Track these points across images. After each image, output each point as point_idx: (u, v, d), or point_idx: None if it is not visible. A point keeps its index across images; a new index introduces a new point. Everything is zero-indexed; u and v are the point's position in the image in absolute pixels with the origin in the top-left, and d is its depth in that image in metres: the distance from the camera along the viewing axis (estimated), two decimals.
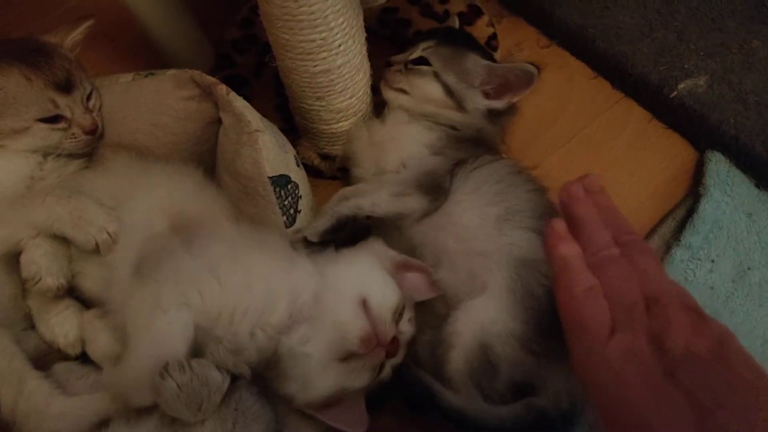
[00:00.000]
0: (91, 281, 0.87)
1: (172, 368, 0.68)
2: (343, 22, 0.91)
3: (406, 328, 0.85)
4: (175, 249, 0.79)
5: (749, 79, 1.16)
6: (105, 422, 0.77)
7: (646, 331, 0.58)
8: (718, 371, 0.55)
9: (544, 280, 0.84)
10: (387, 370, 0.82)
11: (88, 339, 0.88)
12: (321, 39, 0.91)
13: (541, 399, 0.83)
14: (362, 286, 0.81)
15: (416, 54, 1.06)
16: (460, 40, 1.09)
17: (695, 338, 0.57)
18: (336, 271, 0.84)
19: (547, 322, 0.81)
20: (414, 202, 0.92)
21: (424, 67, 1.03)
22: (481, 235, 0.89)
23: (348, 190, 1.00)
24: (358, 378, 0.80)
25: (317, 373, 0.79)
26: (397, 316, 0.83)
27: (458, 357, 0.82)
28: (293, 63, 0.96)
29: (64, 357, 0.89)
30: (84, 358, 0.89)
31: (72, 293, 0.91)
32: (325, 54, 0.93)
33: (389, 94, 1.07)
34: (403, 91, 1.05)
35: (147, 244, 0.81)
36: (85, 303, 0.92)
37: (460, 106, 1.03)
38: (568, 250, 0.66)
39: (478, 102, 1.03)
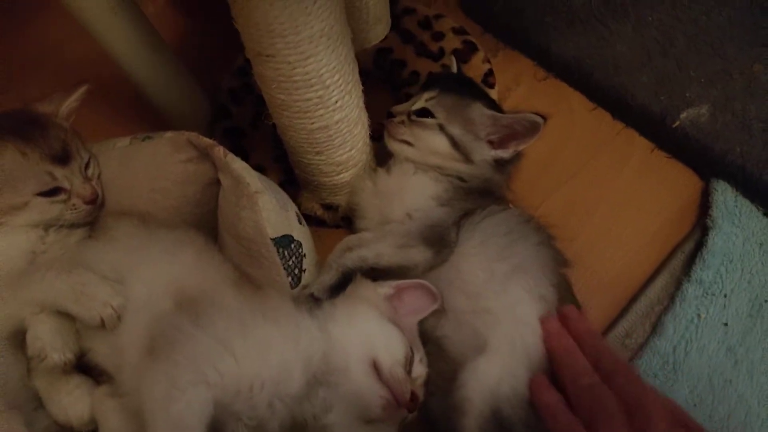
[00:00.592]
0: (102, 358, 0.86)
1: None
2: (338, 79, 0.90)
3: (420, 370, 0.85)
4: (183, 326, 0.77)
5: (753, 105, 1.15)
6: None
7: None
8: None
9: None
10: (411, 416, 0.83)
11: (100, 420, 0.86)
12: (317, 97, 0.90)
13: None
14: (369, 347, 0.81)
15: (419, 105, 1.05)
16: (463, 88, 1.07)
17: None
18: (339, 332, 0.83)
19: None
20: (418, 255, 0.91)
21: (429, 120, 1.02)
22: (487, 292, 0.88)
23: (351, 239, 0.99)
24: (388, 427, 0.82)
25: None
26: (408, 365, 0.82)
27: (472, 424, 0.81)
28: (290, 121, 0.95)
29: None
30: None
31: (81, 366, 0.91)
32: (322, 111, 0.92)
33: (394, 146, 1.06)
34: (408, 143, 1.04)
35: (155, 324, 0.80)
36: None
37: (466, 158, 1.01)
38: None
39: (484, 153, 1.01)
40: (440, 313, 0.92)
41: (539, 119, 0.97)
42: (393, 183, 1.04)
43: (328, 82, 0.89)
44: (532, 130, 0.98)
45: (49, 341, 0.83)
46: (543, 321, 0.83)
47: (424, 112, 1.03)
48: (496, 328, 0.86)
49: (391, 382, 0.79)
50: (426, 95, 1.06)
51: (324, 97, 0.90)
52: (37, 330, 0.83)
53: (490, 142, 1.02)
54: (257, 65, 0.89)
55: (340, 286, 0.93)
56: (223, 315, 0.80)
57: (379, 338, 0.82)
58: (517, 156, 1.04)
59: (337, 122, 0.96)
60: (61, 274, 0.83)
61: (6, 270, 0.85)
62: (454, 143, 1.01)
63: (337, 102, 0.92)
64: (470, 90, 1.08)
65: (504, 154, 1.01)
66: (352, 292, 0.89)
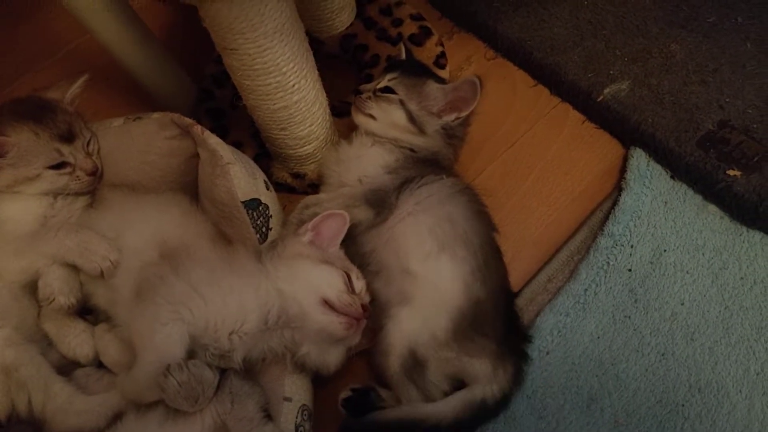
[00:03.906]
0: (101, 300, 1.05)
1: (173, 369, 0.86)
2: (294, 66, 1.07)
3: (360, 284, 1.03)
4: (165, 274, 0.95)
5: (666, 81, 1.30)
6: (119, 416, 0.96)
7: None
8: None
9: (462, 299, 1.02)
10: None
11: (101, 351, 1.06)
12: (276, 82, 1.07)
13: (476, 391, 1.02)
14: (315, 291, 0.97)
15: (383, 84, 1.21)
16: (419, 71, 1.24)
17: None
18: (287, 288, 0.98)
19: (463, 327, 1.00)
20: (361, 214, 1.09)
21: (392, 96, 1.18)
22: (414, 259, 1.05)
23: (310, 198, 1.18)
24: (355, 337, 1.01)
25: (324, 358, 1.00)
26: (350, 286, 1.00)
27: (394, 362, 1.02)
28: (256, 102, 1.13)
29: (82, 365, 1.07)
30: (99, 364, 1.07)
31: (88, 312, 1.10)
32: (281, 94, 1.10)
33: (360, 119, 1.22)
34: (372, 117, 1.20)
35: (143, 271, 0.98)
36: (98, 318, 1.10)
37: (421, 130, 1.18)
38: None
39: (436, 125, 1.18)
40: (375, 273, 1.09)
41: (475, 78, 1.13)
42: (352, 152, 1.20)
43: (284, 69, 1.06)
44: (472, 90, 1.14)
45: (58, 287, 1.02)
46: None
47: (387, 90, 1.19)
48: (419, 289, 1.03)
49: (344, 308, 0.96)
50: (389, 76, 1.22)
51: (282, 82, 1.07)
52: (48, 278, 1.02)
53: (441, 112, 1.18)
54: (225, 57, 1.06)
55: None
56: (197, 266, 0.97)
57: (319, 280, 0.98)
58: (464, 125, 1.21)
59: (296, 102, 1.13)
60: (69, 233, 1.02)
61: (23, 230, 1.04)
62: (411, 117, 1.17)
63: (294, 86, 1.09)
64: (425, 72, 1.26)
65: (450, 118, 1.18)
66: (283, 252, 1.04)
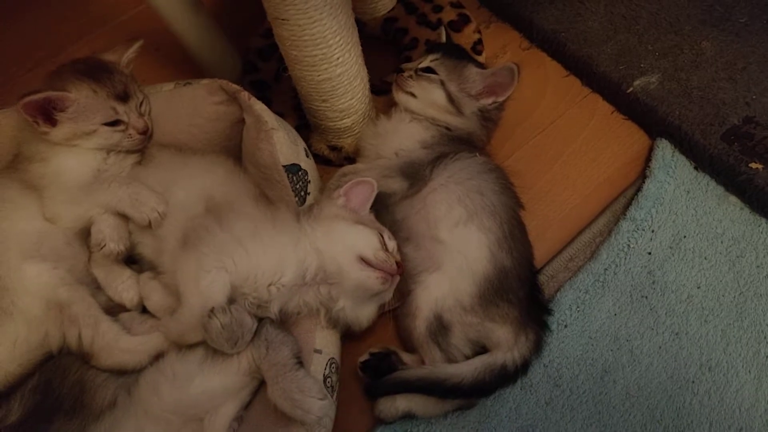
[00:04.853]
0: (147, 249, 1.13)
1: (218, 311, 0.92)
2: (339, 40, 1.13)
3: (392, 244, 1.08)
4: (211, 226, 1.02)
5: (695, 76, 1.34)
6: (160, 356, 1.03)
7: None
8: None
9: (488, 267, 1.07)
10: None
11: (145, 296, 1.13)
12: (322, 54, 1.13)
13: (497, 356, 1.07)
14: (351, 249, 1.03)
15: (425, 64, 1.27)
16: (460, 54, 1.30)
17: None
18: (325, 247, 1.04)
19: (489, 293, 1.06)
20: (395, 184, 1.15)
21: (433, 76, 1.24)
22: (444, 227, 1.11)
23: (347, 167, 1.24)
24: (389, 293, 1.08)
25: (357, 314, 1.07)
26: (384, 245, 1.05)
27: (420, 324, 1.08)
28: (301, 73, 1.19)
29: (127, 310, 1.14)
30: (142, 309, 1.14)
31: (133, 262, 1.17)
32: (326, 66, 1.16)
33: (400, 97, 1.27)
34: (412, 95, 1.26)
35: (189, 222, 1.05)
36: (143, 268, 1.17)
37: (458, 110, 1.24)
38: None
39: (473, 106, 1.24)
40: (405, 239, 1.14)
41: (513, 65, 1.20)
42: (391, 127, 1.27)
43: (330, 42, 1.12)
44: (510, 76, 1.20)
45: (109, 234, 1.09)
46: None
47: (429, 70, 1.25)
48: (448, 256, 1.09)
49: (380, 264, 1.02)
50: (431, 57, 1.28)
51: (327, 54, 1.13)
52: (100, 225, 1.09)
53: (479, 96, 1.24)
54: (275, 27, 1.12)
55: None
56: (240, 219, 1.04)
57: (356, 239, 1.05)
58: (499, 109, 1.27)
59: (339, 75, 1.19)
60: (122, 185, 1.09)
61: (78, 181, 1.11)
62: (450, 98, 1.23)
63: (338, 58, 1.15)
64: (465, 56, 1.32)
65: (487, 101, 1.24)
66: (320, 214, 1.09)
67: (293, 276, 1.02)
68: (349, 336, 1.13)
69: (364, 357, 1.12)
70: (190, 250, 1.01)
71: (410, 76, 1.26)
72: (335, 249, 1.04)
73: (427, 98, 1.24)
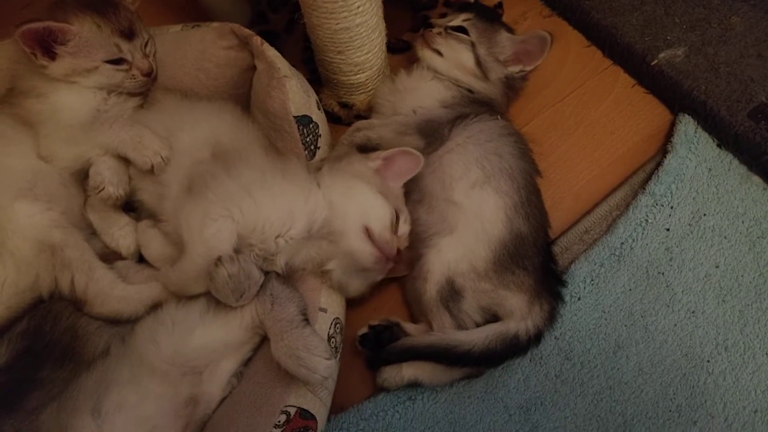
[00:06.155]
0: (148, 195, 1.07)
1: (225, 260, 0.88)
2: None
3: (404, 229, 1.04)
4: (218, 173, 0.97)
5: (723, 51, 1.30)
6: (158, 306, 0.98)
7: None
8: None
9: (504, 231, 1.03)
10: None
11: (143, 245, 1.08)
12: (342, 1, 1.07)
13: (510, 325, 1.03)
14: (362, 216, 0.98)
15: (457, 22, 1.21)
16: (492, 17, 1.25)
17: None
18: (339, 202, 1.00)
19: (504, 259, 1.02)
20: (412, 142, 1.09)
21: (464, 36, 1.19)
22: (460, 188, 1.06)
23: (362, 122, 1.18)
24: (379, 275, 1.04)
25: (345, 281, 1.03)
26: (395, 227, 1.01)
27: (431, 288, 1.04)
28: (318, 20, 1.13)
29: (123, 258, 1.08)
30: (139, 258, 1.09)
31: (131, 210, 1.12)
32: (345, 13, 1.09)
33: (425, 53, 1.21)
34: (439, 53, 1.20)
35: (194, 168, 0.99)
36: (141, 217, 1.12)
37: (484, 75, 1.19)
38: None
39: (500, 72, 1.19)
40: (417, 201, 1.10)
41: (546, 35, 1.16)
42: (410, 83, 1.21)
43: None
44: (541, 45, 1.17)
45: (108, 177, 1.03)
46: None
47: (461, 29, 1.20)
48: (463, 219, 1.05)
49: (381, 243, 0.98)
50: (463, 16, 1.22)
51: (348, 1, 1.07)
52: (99, 167, 1.03)
53: (506, 62, 1.20)
54: None
55: None
56: (250, 167, 0.99)
57: (370, 209, 1.00)
58: (524, 79, 1.23)
59: (357, 25, 1.13)
60: (125, 126, 1.04)
61: (76, 119, 1.04)
62: (478, 61, 1.18)
63: (358, 7, 1.09)
64: (497, 19, 1.27)
65: (515, 69, 1.20)
66: (347, 167, 1.05)
67: (302, 228, 0.97)
68: (351, 301, 1.09)
69: (363, 330, 1.08)
70: (196, 197, 0.95)
71: (439, 33, 1.20)
72: (347, 208, 1.00)
73: (454, 58, 1.19)
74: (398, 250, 1.00)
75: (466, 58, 1.18)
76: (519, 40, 1.20)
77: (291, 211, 0.96)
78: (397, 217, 1.02)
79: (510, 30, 1.24)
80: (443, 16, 1.44)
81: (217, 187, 0.95)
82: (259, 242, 0.95)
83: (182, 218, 0.95)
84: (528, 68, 1.20)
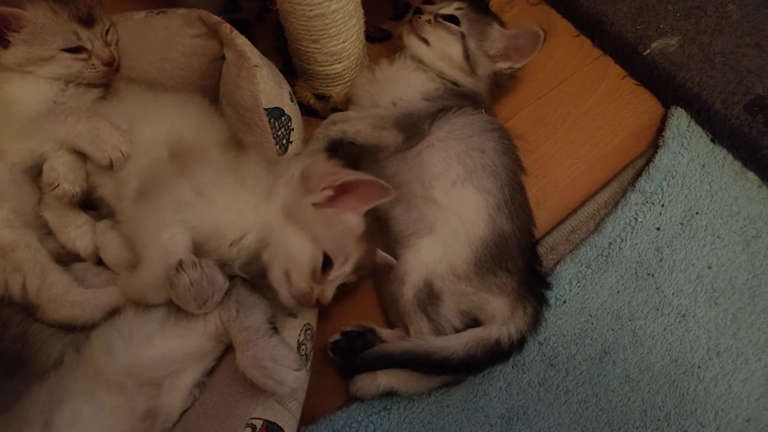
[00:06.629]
0: (108, 192, 1.00)
1: (187, 265, 0.82)
2: None
3: (337, 273, 0.90)
4: (173, 175, 0.90)
5: (719, 41, 1.24)
6: (116, 311, 0.91)
7: None
8: None
9: (486, 231, 0.97)
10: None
11: (101, 247, 1.01)
12: None
13: (491, 330, 0.97)
14: (282, 259, 0.89)
15: (448, 10, 1.14)
16: (485, 8, 1.18)
17: None
18: (271, 233, 0.90)
19: (485, 260, 0.96)
20: (390, 137, 1.03)
21: (454, 26, 1.12)
22: (439, 186, 1.00)
23: (338, 115, 1.11)
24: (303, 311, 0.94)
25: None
26: (317, 274, 0.88)
27: (408, 291, 0.98)
28: (291, 7, 1.06)
29: (81, 259, 1.02)
30: (98, 260, 1.02)
31: (90, 208, 1.05)
32: (319, 0, 1.03)
33: (412, 41, 1.14)
34: (426, 42, 1.13)
35: (151, 168, 0.93)
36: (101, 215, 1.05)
37: (472, 70, 1.12)
38: None
39: (488, 68, 1.13)
40: (395, 199, 0.99)
41: (540, 31, 1.09)
42: (392, 73, 1.14)
43: None
44: (534, 41, 1.11)
45: (63, 173, 0.96)
46: None
47: (452, 19, 1.13)
48: (442, 218, 0.99)
49: (295, 293, 0.88)
50: (456, 4, 1.15)
51: None
52: (54, 163, 0.96)
53: (495, 57, 1.13)
54: None
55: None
56: (205, 169, 0.92)
57: (293, 255, 0.88)
58: (512, 77, 1.18)
59: (333, 12, 1.06)
60: (81, 118, 0.96)
61: (30, 112, 0.98)
62: (467, 54, 1.11)
63: None
64: (489, 11, 1.20)
65: (504, 65, 1.14)
66: (281, 199, 0.92)
67: (254, 239, 0.90)
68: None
69: (335, 337, 1.01)
70: (150, 201, 0.89)
71: (428, 21, 1.13)
72: (276, 245, 0.89)
73: (441, 49, 1.12)
74: (319, 301, 0.89)
75: (455, 50, 1.11)
76: (511, 34, 1.13)
77: (242, 218, 0.90)
78: (329, 263, 0.89)
79: (502, 23, 1.17)
80: (426, 2, 1.39)
81: (171, 190, 0.89)
82: (215, 248, 0.89)
83: (136, 224, 0.89)
84: (517, 66, 1.15)
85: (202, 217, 0.87)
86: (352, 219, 0.92)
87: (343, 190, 0.90)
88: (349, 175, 0.90)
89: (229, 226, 0.88)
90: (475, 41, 1.12)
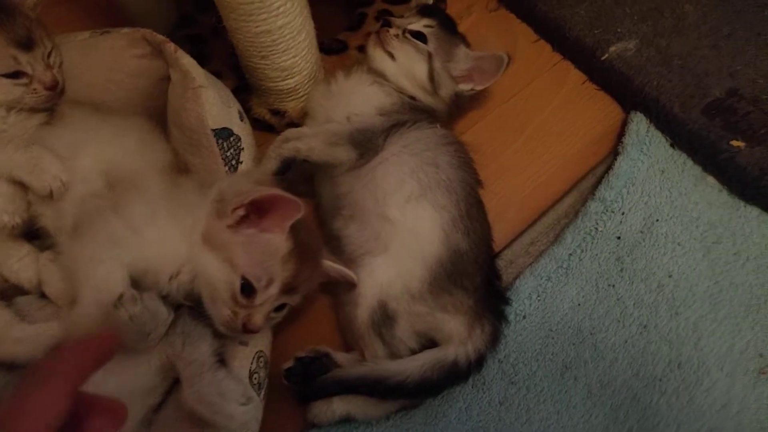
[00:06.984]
0: (49, 222, 0.96)
1: (126, 300, 0.79)
2: None
3: (265, 295, 0.85)
4: (105, 210, 0.87)
5: (676, 43, 1.23)
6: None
7: None
8: None
9: (441, 249, 0.95)
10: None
11: (44, 280, 0.97)
12: (260, 1, 0.97)
13: (448, 350, 0.95)
14: (209, 289, 0.85)
15: (416, 27, 1.11)
16: (453, 28, 1.16)
17: None
18: (200, 259, 0.86)
19: (440, 279, 0.94)
20: (343, 153, 1.01)
21: (422, 45, 1.09)
22: (393, 203, 0.98)
23: (291, 131, 1.08)
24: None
25: None
26: (238, 299, 0.84)
27: (363, 313, 0.95)
28: (236, 24, 1.03)
29: (24, 292, 0.99)
30: (42, 293, 0.99)
31: (35, 237, 1.01)
32: (264, 15, 1.00)
33: (376, 54, 1.11)
34: (391, 57, 1.10)
35: (85, 202, 0.90)
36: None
37: (434, 90, 1.10)
38: None
39: (451, 89, 1.11)
40: (348, 217, 1.01)
41: (505, 56, 1.08)
42: (348, 86, 1.11)
43: None
44: (497, 66, 1.09)
45: (2, 204, 0.92)
46: None
47: (420, 36, 1.10)
48: (396, 236, 0.97)
49: (220, 320, 0.85)
50: (425, 21, 1.12)
51: (266, 1, 0.98)
52: None
53: (458, 80, 1.12)
54: None
55: (281, 172, 1.04)
56: (139, 202, 0.88)
57: (213, 282, 0.84)
58: (473, 99, 1.17)
59: (280, 27, 1.03)
60: (19, 148, 0.92)
61: None
62: (432, 75, 1.09)
63: (279, 7, 1.00)
64: (456, 30, 1.17)
65: (466, 87, 1.12)
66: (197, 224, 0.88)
67: (189, 269, 0.86)
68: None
69: (289, 363, 0.98)
70: (83, 236, 0.86)
71: (396, 35, 1.10)
72: (200, 270, 0.86)
73: (406, 66, 1.09)
74: (246, 326, 0.84)
75: (420, 69, 1.09)
76: (476, 56, 1.12)
77: (177, 253, 0.86)
78: (250, 287, 0.84)
79: (467, 44, 1.15)
80: (383, 12, 1.36)
81: (104, 225, 0.85)
82: (154, 283, 0.86)
83: (72, 259, 0.86)
84: (478, 88, 1.13)
85: (137, 253, 0.84)
86: (274, 239, 0.87)
87: (259, 209, 0.85)
88: (257, 192, 0.84)
89: (165, 262, 0.85)
90: (441, 62, 1.10)
